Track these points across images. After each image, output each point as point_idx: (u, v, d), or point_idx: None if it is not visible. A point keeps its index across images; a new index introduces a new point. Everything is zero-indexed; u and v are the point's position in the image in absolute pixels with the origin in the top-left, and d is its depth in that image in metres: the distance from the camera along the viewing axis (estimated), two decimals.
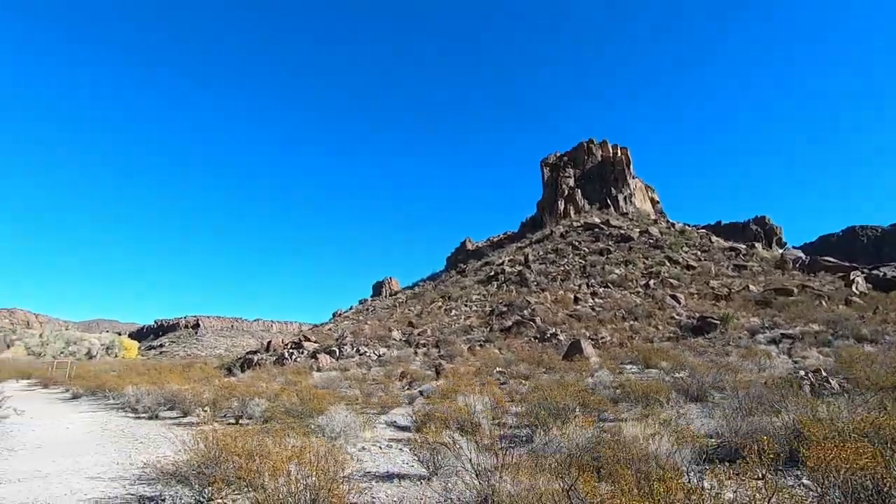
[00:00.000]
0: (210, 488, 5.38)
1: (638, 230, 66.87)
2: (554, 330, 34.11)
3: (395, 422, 11.68)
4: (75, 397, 21.68)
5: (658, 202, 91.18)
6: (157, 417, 14.31)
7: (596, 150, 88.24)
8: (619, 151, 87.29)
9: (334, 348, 36.64)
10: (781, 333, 24.99)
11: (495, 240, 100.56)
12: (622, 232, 66.05)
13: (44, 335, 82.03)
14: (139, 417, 14.43)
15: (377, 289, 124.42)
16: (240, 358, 44.05)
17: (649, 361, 19.86)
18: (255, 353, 42.97)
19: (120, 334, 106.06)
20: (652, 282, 46.35)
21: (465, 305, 50.27)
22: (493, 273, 61.40)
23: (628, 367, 20.14)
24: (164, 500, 5.91)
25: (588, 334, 31.55)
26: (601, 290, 47.09)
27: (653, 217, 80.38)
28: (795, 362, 18.69)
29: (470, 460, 4.54)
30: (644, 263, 54.33)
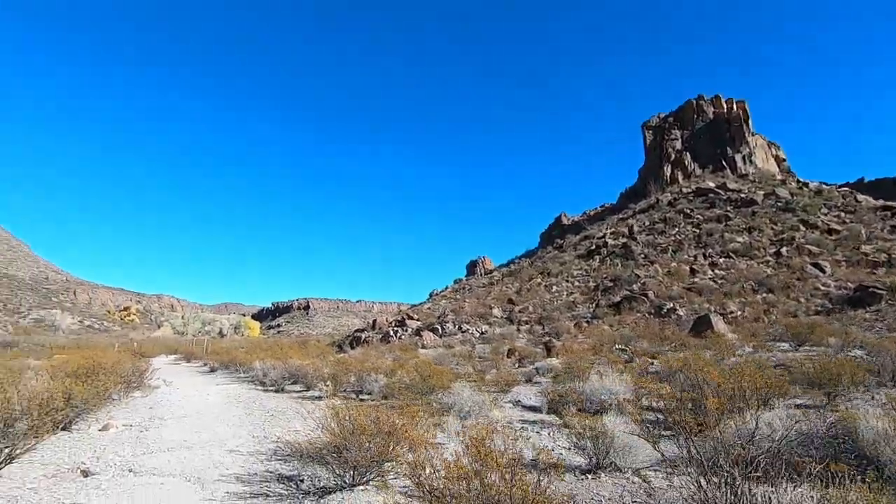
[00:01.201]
0: (352, 472, 4.87)
1: (762, 192, 59.17)
2: (671, 304, 31.15)
3: (519, 401, 10.83)
4: (212, 370, 23.80)
5: (784, 160, 79.96)
6: (282, 391, 14.88)
7: (707, 108, 79.23)
8: (734, 106, 77.49)
9: (437, 326, 36.87)
10: None
11: (592, 213, 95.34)
12: (742, 196, 58.87)
13: (185, 317, 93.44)
14: (267, 390, 15.11)
15: (471, 268, 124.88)
16: (348, 336, 46.31)
17: (804, 338, 16.94)
18: (362, 331, 44.83)
19: (244, 315, 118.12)
20: (784, 249, 40.72)
21: (567, 281, 48.10)
22: (593, 247, 58.10)
23: (777, 344, 17.39)
24: (302, 481, 5.55)
25: (713, 308, 28.29)
26: (721, 260, 42.39)
27: (779, 177, 70.68)
28: None
29: (695, 455, 3.39)
30: (772, 229, 47.98)
